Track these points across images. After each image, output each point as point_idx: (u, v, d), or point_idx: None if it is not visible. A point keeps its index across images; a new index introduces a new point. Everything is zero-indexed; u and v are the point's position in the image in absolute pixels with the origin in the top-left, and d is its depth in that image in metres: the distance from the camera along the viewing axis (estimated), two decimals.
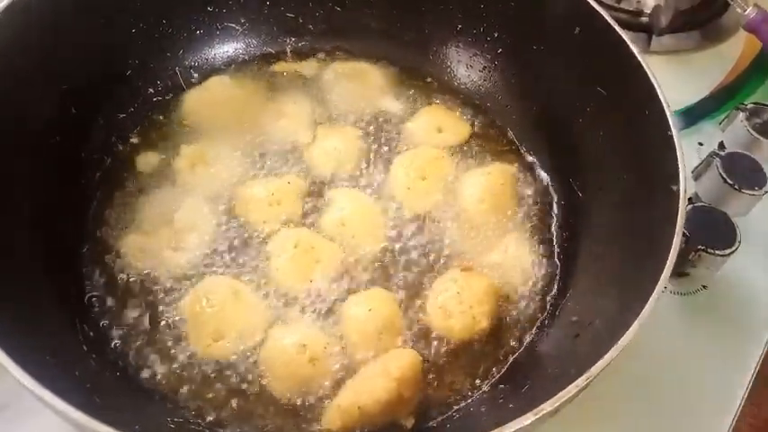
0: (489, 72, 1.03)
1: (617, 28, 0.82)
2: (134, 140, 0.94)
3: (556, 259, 0.89)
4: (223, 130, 0.95)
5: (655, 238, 0.69)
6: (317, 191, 0.91)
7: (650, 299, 0.62)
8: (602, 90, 0.85)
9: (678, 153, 0.71)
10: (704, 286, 1.00)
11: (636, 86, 0.79)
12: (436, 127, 0.99)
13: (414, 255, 0.87)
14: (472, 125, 1.00)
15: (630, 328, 0.61)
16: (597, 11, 0.85)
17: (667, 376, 0.90)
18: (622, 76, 0.82)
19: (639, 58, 0.79)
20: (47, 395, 0.55)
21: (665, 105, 0.74)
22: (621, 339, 0.60)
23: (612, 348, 0.59)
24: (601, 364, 0.59)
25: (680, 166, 0.70)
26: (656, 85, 0.76)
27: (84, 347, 0.75)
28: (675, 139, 0.72)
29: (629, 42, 0.80)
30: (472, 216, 0.91)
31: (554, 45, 0.92)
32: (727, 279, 0.99)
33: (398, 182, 0.93)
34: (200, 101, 0.98)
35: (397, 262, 0.86)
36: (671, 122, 0.73)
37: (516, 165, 0.97)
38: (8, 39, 0.77)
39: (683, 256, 0.93)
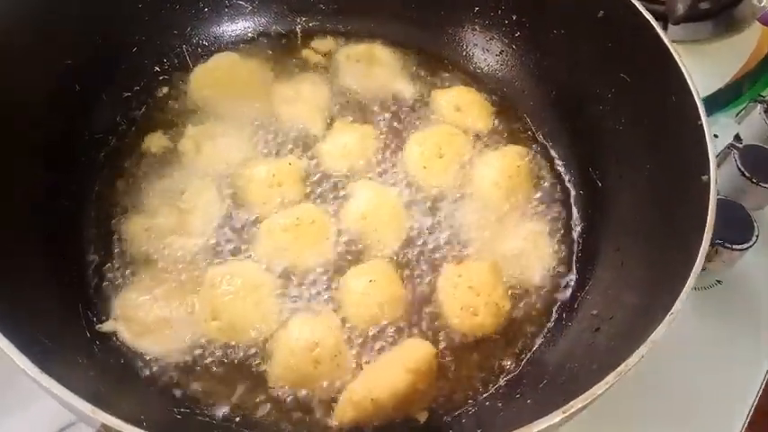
0: (506, 56, 1.00)
1: (644, 11, 0.79)
2: (139, 120, 0.91)
3: (575, 250, 0.87)
4: (230, 109, 0.92)
5: (682, 230, 0.68)
6: (331, 186, 0.88)
7: (681, 294, 0.60)
8: (626, 76, 0.83)
9: (708, 142, 0.69)
10: (719, 281, 0.98)
11: (663, 73, 0.76)
12: (454, 106, 0.96)
13: (431, 244, 0.85)
14: (492, 113, 0.98)
15: (662, 323, 0.58)
16: None
17: (680, 370, 0.88)
18: (648, 62, 0.79)
19: (668, 43, 0.76)
20: (52, 384, 0.53)
21: (695, 93, 0.72)
22: (653, 334, 0.58)
23: (644, 344, 0.57)
24: (632, 359, 0.57)
25: (710, 155, 0.68)
26: (685, 72, 0.74)
27: (88, 334, 0.72)
28: (705, 128, 0.69)
29: (656, 26, 0.77)
30: (487, 201, 0.89)
31: (575, 29, 0.89)
32: (741, 274, 0.98)
33: (414, 160, 0.91)
34: (206, 78, 0.95)
35: (415, 251, 0.84)
36: (701, 111, 0.70)
37: (532, 150, 0.95)
38: (10, 9, 0.73)
39: None
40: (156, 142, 0.89)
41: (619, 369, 0.56)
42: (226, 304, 0.76)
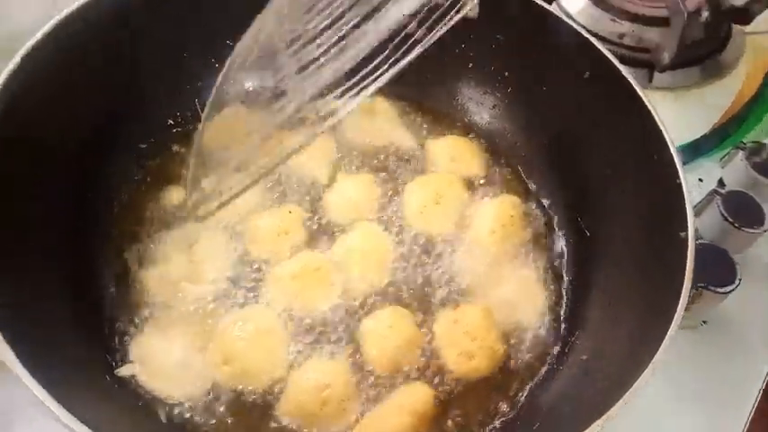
0: (499, 110, 1.05)
1: (626, 74, 0.85)
2: (154, 170, 0.96)
3: (565, 296, 0.91)
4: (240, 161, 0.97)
5: (664, 283, 0.72)
6: (335, 232, 0.93)
7: (663, 343, 0.65)
8: (611, 133, 0.88)
9: (687, 202, 0.73)
10: (704, 322, 1.02)
11: (644, 132, 0.81)
12: (448, 154, 1.02)
13: (425, 288, 0.90)
14: (485, 161, 1.03)
15: (645, 371, 0.63)
16: (607, 57, 0.87)
17: (666, 407, 0.92)
18: (630, 122, 0.84)
19: (649, 106, 0.81)
20: (78, 426, 0.57)
21: (674, 153, 0.77)
22: (638, 381, 0.62)
23: (629, 391, 0.61)
24: (617, 406, 0.61)
25: (688, 213, 0.73)
26: (665, 132, 0.79)
27: (108, 377, 0.77)
28: (684, 188, 0.74)
29: (638, 89, 0.83)
30: (481, 248, 0.93)
31: (563, 87, 0.94)
32: (726, 314, 1.02)
33: (411, 206, 0.96)
34: (216, 130, 0.99)
35: (405, 293, 0.89)
36: (680, 170, 0.75)
37: (524, 199, 1.00)
38: (40, 73, 0.78)
39: None
40: (176, 195, 0.93)
41: (607, 414, 0.60)
42: (237, 350, 0.80)
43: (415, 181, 0.99)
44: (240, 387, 0.79)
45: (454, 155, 1.02)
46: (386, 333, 0.83)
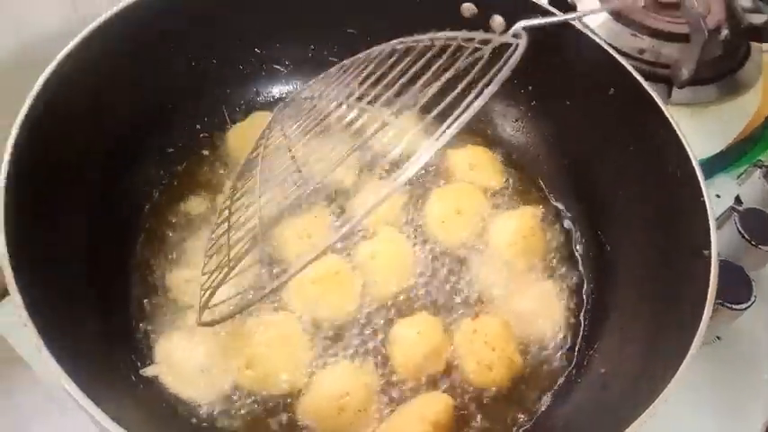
0: (522, 123, 1.06)
1: (650, 90, 0.85)
2: (181, 176, 0.98)
3: (583, 309, 0.92)
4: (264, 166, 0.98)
5: (685, 301, 0.73)
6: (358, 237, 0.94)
7: (684, 361, 0.65)
8: (633, 149, 0.89)
9: (710, 219, 0.74)
10: (718, 337, 1.03)
11: (667, 148, 0.82)
12: (468, 164, 1.03)
13: (445, 297, 0.91)
14: (504, 171, 1.05)
15: (666, 389, 0.64)
16: (631, 72, 0.88)
17: (679, 425, 0.93)
18: (654, 137, 0.85)
19: (672, 122, 0.82)
20: (111, 425, 0.58)
21: (698, 170, 0.77)
22: (657, 400, 0.63)
23: (647, 410, 0.62)
24: (637, 424, 0.61)
25: (712, 232, 0.73)
26: (688, 149, 0.79)
27: (134, 377, 0.78)
28: (708, 205, 0.75)
29: (662, 105, 0.83)
30: (501, 259, 0.94)
31: (588, 102, 0.95)
32: (740, 330, 1.02)
33: (433, 215, 0.97)
34: (242, 136, 1.01)
35: (424, 300, 0.90)
36: (703, 187, 0.76)
37: (546, 212, 1.00)
38: (68, 87, 0.79)
39: None
40: (195, 207, 0.95)
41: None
42: (260, 354, 0.81)
43: (436, 191, 1.00)
44: (262, 391, 0.81)
45: (474, 164, 1.03)
46: (415, 339, 0.84)
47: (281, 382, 0.81)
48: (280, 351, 0.82)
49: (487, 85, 0.61)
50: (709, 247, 0.72)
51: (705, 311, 0.68)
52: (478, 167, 1.03)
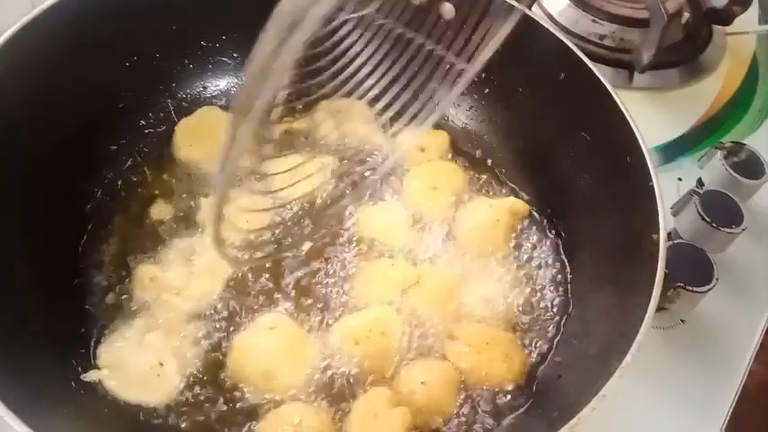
0: (476, 111, 1.05)
1: (600, 76, 0.84)
2: (126, 173, 0.95)
3: (545, 298, 0.90)
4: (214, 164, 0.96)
5: (637, 285, 0.72)
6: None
7: (631, 348, 0.64)
8: (586, 135, 0.88)
9: (659, 204, 0.73)
10: (682, 320, 1.02)
11: (618, 134, 0.81)
12: (419, 148, 1.01)
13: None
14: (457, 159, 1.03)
15: (612, 377, 0.63)
16: (581, 57, 0.87)
17: (642, 408, 0.92)
18: (605, 123, 0.84)
19: (622, 107, 0.81)
20: None
21: (647, 156, 0.76)
22: (603, 389, 0.62)
23: (594, 398, 0.61)
24: (584, 413, 0.61)
25: (660, 216, 0.72)
26: (637, 134, 0.79)
27: (73, 383, 0.76)
28: (656, 190, 0.74)
29: (611, 90, 0.82)
30: (463, 248, 0.93)
31: (539, 88, 0.94)
32: (705, 313, 1.02)
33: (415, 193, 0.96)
34: (190, 131, 0.99)
35: None
36: (652, 173, 0.75)
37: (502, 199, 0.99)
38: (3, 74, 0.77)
39: (662, 292, 0.95)
40: (141, 204, 0.93)
41: (571, 422, 0.60)
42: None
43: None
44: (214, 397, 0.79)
45: (423, 145, 1.01)
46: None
47: (236, 387, 0.79)
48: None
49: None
50: (657, 231, 0.71)
51: (653, 295, 0.67)
52: (428, 149, 1.02)
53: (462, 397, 0.81)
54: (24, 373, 0.66)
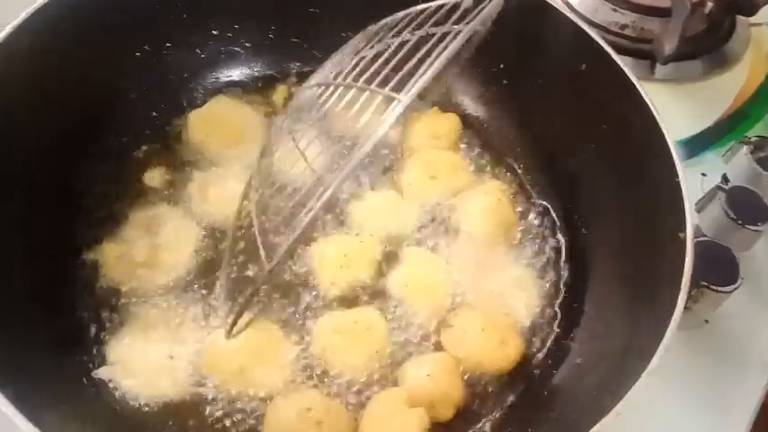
0: (493, 103, 1.02)
1: (624, 67, 0.81)
2: (137, 163, 0.94)
3: (560, 296, 0.88)
4: (226, 154, 0.95)
5: (661, 285, 0.69)
6: None
7: (657, 350, 0.62)
8: (607, 128, 0.85)
9: (685, 200, 0.71)
10: (706, 321, 1.00)
11: (642, 127, 0.78)
12: (431, 132, 0.99)
13: None
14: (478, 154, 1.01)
15: (639, 380, 0.60)
16: (603, 47, 0.84)
17: (668, 407, 0.90)
18: (628, 117, 0.81)
19: (647, 99, 0.78)
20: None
21: (672, 149, 0.74)
22: (629, 392, 0.59)
23: (621, 401, 0.58)
24: (608, 418, 0.58)
25: (687, 213, 0.70)
26: (663, 127, 0.76)
27: (85, 380, 0.75)
28: (683, 186, 0.71)
29: (636, 83, 0.80)
30: (473, 241, 0.91)
31: (559, 80, 0.91)
32: (728, 313, 0.99)
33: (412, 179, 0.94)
34: (203, 122, 0.97)
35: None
36: (679, 167, 0.72)
37: (522, 195, 0.97)
38: (14, 63, 0.76)
39: None
40: (154, 198, 0.91)
41: (595, 428, 0.57)
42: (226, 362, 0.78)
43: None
44: (229, 394, 0.77)
45: (436, 131, 0.99)
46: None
47: (249, 386, 0.77)
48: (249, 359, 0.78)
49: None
50: (684, 229, 0.69)
51: (680, 295, 0.65)
52: (442, 136, 1.00)
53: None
54: (34, 373, 0.65)
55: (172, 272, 0.84)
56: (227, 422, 0.76)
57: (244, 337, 0.73)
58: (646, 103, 0.78)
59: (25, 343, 0.70)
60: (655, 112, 0.77)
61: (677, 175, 0.72)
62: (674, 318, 0.63)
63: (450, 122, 1.01)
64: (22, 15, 0.76)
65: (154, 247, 0.85)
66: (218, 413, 0.76)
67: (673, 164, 0.73)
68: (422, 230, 0.92)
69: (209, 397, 0.77)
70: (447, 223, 0.92)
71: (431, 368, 0.78)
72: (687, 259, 0.67)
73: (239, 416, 0.76)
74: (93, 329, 0.80)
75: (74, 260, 0.83)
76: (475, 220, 0.91)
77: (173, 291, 0.83)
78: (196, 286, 0.84)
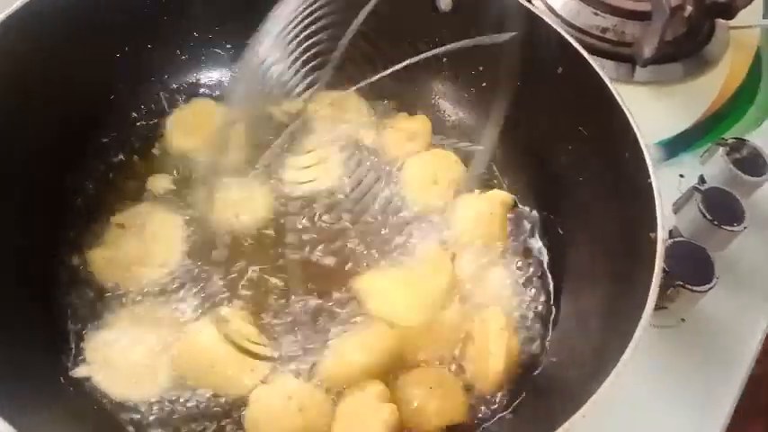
0: (472, 106, 1.03)
1: (599, 70, 0.82)
2: (117, 166, 0.94)
3: (539, 298, 0.89)
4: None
5: (633, 284, 0.70)
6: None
7: (627, 348, 0.63)
8: (583, 130, 0.86)
9: (657, 201, 0.71)
10: (682, 319, 1.01)
11: (616, 130, 0.79)
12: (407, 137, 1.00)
13: None
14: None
15: (607, 380, 0.61)
16: (578, 50, 0.85)
17: (642, 409, 0.90)
18: (603, 119, 0.82)
19: (620, 101, 0.79)
20: None
21: (645, 152, 0.74)
22: (596, 393, 0.60)
23: (587, 403, 0.59)
24: (578, 414, 0.59)
25: (658, 214, 0.71)
26: (636, 129, 0.77)
27: (62, 379, 0.75)
28: (655, 187, 0.72)
29: (610, 85, 0.80)
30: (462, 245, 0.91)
31: (536, 83, 0.91)
32: (705, 312, 1.00)
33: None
34: (184, 124, 0.97)
35: None
36: (650, 169, 0.73)
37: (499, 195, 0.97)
38: None
39: (661, 290, 0.94)
40: (134, 197, 0.91)
41: (563, 426, 0.58)
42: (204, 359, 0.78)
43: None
44: (206, 392, 0.77)
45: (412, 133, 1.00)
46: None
47: (227, 382, 0.78)
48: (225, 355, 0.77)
49: None
50: (655, 229, 0.70)
51: (650, 295, 0.66)
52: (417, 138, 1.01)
53: None
54: (9, 372, 0.65)
55: (164, 267, 0.84)
56: (209, 418, 0.76)
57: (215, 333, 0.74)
58: (619, 105, 0.79)
59: (6, 342, 0.70)
60: (627, 113, 0.78)
61: (649, 177, 0.73)
62: (645, 314, 0.64)
63: (421, 124, 1.01)
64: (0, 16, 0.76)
65: (142, 244, 0.85)
66: (198, 410, 0.76)
67: (645, 165, 0.74)
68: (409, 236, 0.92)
69: (190, 395, 0.77)
70: (437, 227, 0.93)
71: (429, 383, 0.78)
72: (657, 259, 0.68)
73: (217, 414, 0.76)
74: (73, 328, 0.80)
75: (58, 260, 0.83)
76: (477, 230, 0.92)
77: (164, 287, 0.83)
78: (186, 283, 0.84)
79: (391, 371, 0.80)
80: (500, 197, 0.95)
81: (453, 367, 0.82)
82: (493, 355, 0.79)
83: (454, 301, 0.86)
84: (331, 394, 0.78)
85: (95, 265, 0.84)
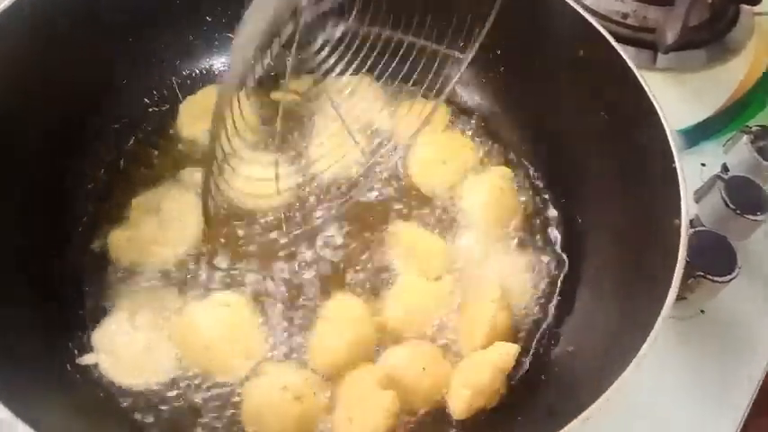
0: (492, 90, 1.02)
1: (623, 53, 0.80)
2: (129, 153, 0.93)
3: (556, 283, 0.88)
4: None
5: (655, 272, 0.68)
6: None
7: (648, 337, 0.61)
8: (605, 114, 0.84)
9: (681, 187, 0.70)
10: (702, 311, 0.99)
11: (639, 115, 0.77)
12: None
13: None
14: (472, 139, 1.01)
15: (628, 368, 0.60)
16: (602, 33, 0.83)
17: (663, 397, 0.89)
18: (626, 103, 0.80)
19: (646, 88, 0.77)
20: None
21: (670, 137, 0.73)
22: (618, 381, 0.59)
23: (609, 389, 0.58)
24: (596, 405, 0.58)
25: (682, 200, 0.69)
26: (660, 114, 0.75)
27: (69, 366, 0.74)
28: (679, 172, 0.70)
29: (635, 71, 0.78)
30: (472, 227, 0.91)
31: (557, 66, 0.90)
32: (725, 303, 0.98)
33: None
34: (195, 109, 0.96)
35: None
36: (675, 154, 0.72)
37: (519, 182, 0.97)
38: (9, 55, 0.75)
39: (682, 281, 0.92)
40: (146, 184, 0.90)
41: (582, 415, 0.57)
42: (204, 340, 0.77)
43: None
44: (208, 379, 0.77)
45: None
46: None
47: (227, 370, 0.77)
48: (227, 337, 0.78)
49: None
50: (679, 216, 0.68)
51: (673, 282, 0.64)
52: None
53: None
54: (17, 360, 0.65)
55: (180, 246, 0.84)
56: (212, 405, 0.75)
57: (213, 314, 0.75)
58: (644, 90, 0.77)
59: (14, 329, 0.69)
60: (652, 98, 0.76)
61: (674, 162, 0.71)
62: (665, 305, 0.63)
63: (436, 108, 0.99)
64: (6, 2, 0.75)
65: (162, 224, 0.86)
66: (201, 397, 0.76)
67: (670, 150, 0.72)
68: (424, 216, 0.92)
69: (192, 381, 0.77)
70: (450, 210, 0.93)
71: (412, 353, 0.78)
72: (681, 247, 0.66)
73: (219, 401, 0.76)
74: (78, 315, 0.79)
75: (79, 247, 0.84)
76: (477, 207, 0.91)
77: (177, 266, 0.83)
78: (197, 263, 0.84)
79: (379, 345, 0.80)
80: (501, 172, 0.95)
81: (443, 341, 0.82)
82: (478, 323, 0.79)
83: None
84: (328, 380, 0.77)
85: (115, 246, 0.84)
